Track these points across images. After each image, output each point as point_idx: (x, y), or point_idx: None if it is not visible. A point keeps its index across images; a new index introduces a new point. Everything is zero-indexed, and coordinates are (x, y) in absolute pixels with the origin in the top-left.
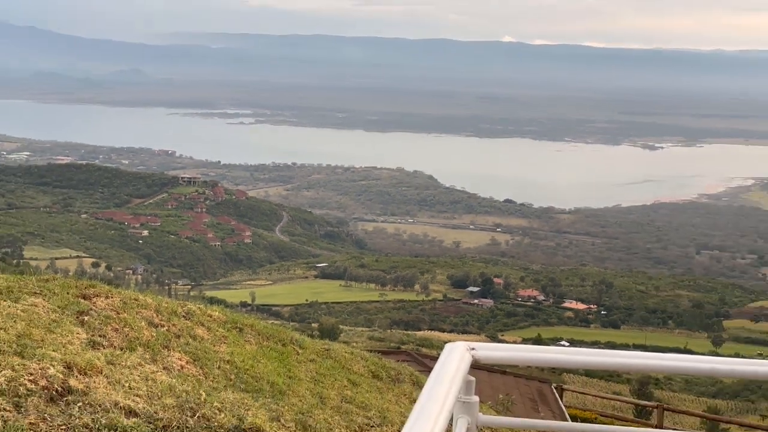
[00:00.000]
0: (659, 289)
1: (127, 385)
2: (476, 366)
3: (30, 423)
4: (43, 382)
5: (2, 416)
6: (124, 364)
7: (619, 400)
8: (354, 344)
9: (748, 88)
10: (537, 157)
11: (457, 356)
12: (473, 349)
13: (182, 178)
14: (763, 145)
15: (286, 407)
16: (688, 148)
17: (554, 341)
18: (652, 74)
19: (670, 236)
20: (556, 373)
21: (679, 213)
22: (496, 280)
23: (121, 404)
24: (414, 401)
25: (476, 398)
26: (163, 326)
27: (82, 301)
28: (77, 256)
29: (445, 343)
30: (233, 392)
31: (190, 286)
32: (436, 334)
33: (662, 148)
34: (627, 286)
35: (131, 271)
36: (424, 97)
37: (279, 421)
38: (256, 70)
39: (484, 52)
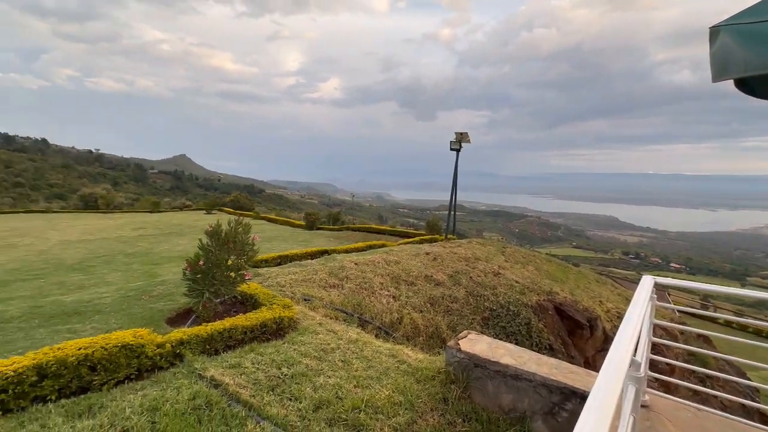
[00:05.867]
0: None
1: (515, 272)
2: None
3: (488, 280)
4: (491, 270)
5: (473, 276)
6: (513, 268)
7: None
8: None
9: None
10: None
11: (648, 281)
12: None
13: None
14: None
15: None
16: None
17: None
18: None
19: None
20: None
21: None
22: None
23: (513, 277)
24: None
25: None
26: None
27: (503, 248)
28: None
29: None
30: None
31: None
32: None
33: None
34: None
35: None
36: None
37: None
38: None
39: None
